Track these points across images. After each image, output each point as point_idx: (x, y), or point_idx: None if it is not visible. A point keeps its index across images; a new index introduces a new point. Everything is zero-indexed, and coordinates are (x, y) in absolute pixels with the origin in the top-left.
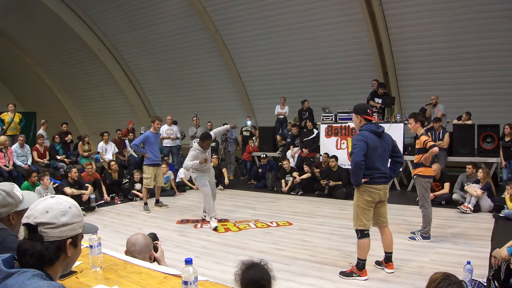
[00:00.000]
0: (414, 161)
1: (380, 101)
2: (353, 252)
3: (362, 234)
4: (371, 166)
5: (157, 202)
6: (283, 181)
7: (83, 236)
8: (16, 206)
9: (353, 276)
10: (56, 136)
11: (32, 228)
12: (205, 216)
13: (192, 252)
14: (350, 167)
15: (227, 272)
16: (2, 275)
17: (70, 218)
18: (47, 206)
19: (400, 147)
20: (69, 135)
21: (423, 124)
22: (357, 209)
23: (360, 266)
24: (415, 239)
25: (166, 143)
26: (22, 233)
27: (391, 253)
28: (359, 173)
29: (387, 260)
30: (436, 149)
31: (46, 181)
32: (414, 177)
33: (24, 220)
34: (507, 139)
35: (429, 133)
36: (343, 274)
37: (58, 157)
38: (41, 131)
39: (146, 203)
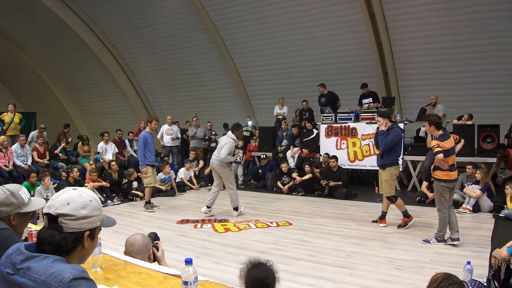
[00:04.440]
0: (433, 164)
1: (369, 100)
2: (353, 252)
3: (395, 198)
4: (399, 153)
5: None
6: (278, 182)
7: (101, 229)
8: (19, 208)
9: (407, 225)
10: (63, 139)
11: (52, 218)
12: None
13: (192, 252)
14: (382, 140)
15: (227, 272)
16: (23, 256)
17: (89, 211)
18: (68, 198)
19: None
20: (68, 139)
21: (438, 127)
22: (390, 182)
23: (406, 214)
24: (430, 242)
25: (167, 143)
26: (26, 235)
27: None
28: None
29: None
30: (440, 156)
31: (47, 182)
32: (432, 179)
33: (45, 209)
34: None
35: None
36: (401, 226)
37: (58, 153)
38: (34, 133)
39: (148, 202)
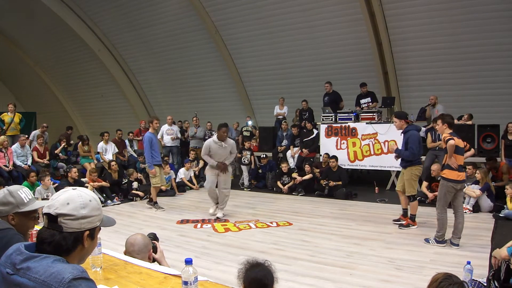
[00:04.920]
0: (442, 162)
1: (367, 100)
2: (353, 252)
3: (414, 198)
4: (420, 153)
5: (150, 201)
6: (278, 182)
7: (100, 229)
8: (17, 207)
9: (409, 227)
10: (64, 139)
11: (52, 218)
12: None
13: (192, 252)
14: (405, 155)
15: (227, 272)
16: (23, 256)
17: (89, 211)
18: (68, 198)
19: (400, 147)
20: (70, 141)
21: (450, 126)
22: (411, 181)
23: (413, 218)
24: (429, 242)
25: (167, 143)
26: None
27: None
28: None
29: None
30: (451, 142)
31: (47, 182)
32: (438, 178)
33: (45, 209)
34: (510, 137)
35: (429, 133)
36: (402, 226)
37: (58, 153)
38: (36, 132)
39: (156, 202)
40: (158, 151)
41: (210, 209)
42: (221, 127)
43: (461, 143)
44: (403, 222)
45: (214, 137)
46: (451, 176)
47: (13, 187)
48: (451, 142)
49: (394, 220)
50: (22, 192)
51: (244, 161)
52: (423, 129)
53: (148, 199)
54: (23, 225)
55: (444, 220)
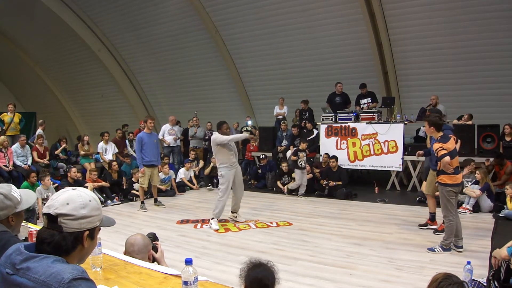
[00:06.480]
0: (437, 168)
1: (367, 100)
2: (353, 252)
3: None
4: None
5: (156, 201)
6: (278, 182)
7: (100, 229)
8: (15, 208)
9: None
10: (64, 140)
11: (51, 218)
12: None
13: (192, 252)
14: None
15: (227, 272)
16: (23, 256)
17: (89, 211)
18: (68, 198)
19: (400, 147)
20: (64, 142)
21: (438, 128)
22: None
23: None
24: (435, 251)
25: (170, 142)
26: (23, 233)
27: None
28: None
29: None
30: (447, 158)
31: (47, 182)
32: (436, 184)
33: (44, 209)
34: (507, 139)
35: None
36: (437, 232)
37: (58, 153)
38: (39, 131)
39: (143, 202)
40: (151, 151)
41: (214, 224)
42: (222, 124)
43: (452, 143)
44: (436, 227)
45: (217, 134)
46: (448, 181)
47: (4, 190)
48: (446, 159)
49: (420, 225)
50: (14, 191)
51: (301, 163)
52: (423, 129)
53: (154, 200)
54: (17, 224)
55: (453, 227)
